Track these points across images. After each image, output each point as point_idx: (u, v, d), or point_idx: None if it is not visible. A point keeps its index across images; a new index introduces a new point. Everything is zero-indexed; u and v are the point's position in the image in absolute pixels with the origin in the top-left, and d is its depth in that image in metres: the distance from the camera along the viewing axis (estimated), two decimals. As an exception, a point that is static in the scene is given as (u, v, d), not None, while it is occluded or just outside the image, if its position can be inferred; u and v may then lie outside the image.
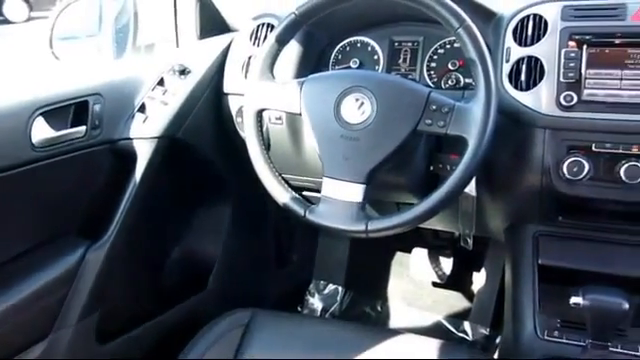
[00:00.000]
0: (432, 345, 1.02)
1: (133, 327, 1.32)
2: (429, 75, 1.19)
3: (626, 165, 0.92)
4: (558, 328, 1.05)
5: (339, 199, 0.95)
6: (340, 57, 1.27)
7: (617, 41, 0.94)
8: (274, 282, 1.76)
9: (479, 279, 1.76)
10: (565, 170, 0.96)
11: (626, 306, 0.88)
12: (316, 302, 1.89)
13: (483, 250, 1.72)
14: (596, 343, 0.92)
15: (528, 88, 0.99)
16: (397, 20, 1.22)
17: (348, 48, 1.26)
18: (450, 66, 1.16)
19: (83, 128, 1.14)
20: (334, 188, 0.95)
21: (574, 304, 0.92)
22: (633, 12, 0.95)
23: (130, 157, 1.22)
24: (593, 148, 0.95)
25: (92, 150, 1.17)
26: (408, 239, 1.84)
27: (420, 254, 1.80)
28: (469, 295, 1.81)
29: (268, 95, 1.02)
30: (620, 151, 0.93)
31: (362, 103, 0.94)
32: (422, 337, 1.07)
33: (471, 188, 1.06)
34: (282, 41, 1.02)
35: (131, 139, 1.22)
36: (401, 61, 1.22)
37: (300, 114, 1.00)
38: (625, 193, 0.94)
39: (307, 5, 0.99)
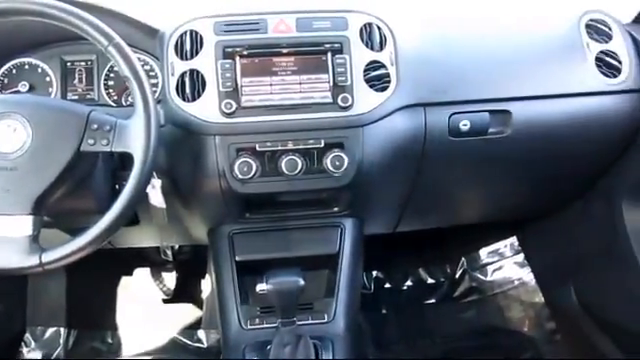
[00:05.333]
0: None
1: None
2: (108, 94, 1.18)
3: (285, 159, 1.05)
4: (258, 315, 1.15)
5: (4, 235, 0.86)
6: (7, 81, 1.16)
7: (263, 52, 1.06)
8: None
9: (206, 286, 1.81)
10: (237, 171, 1.04)
11: (301, 283, 1.01)
12: (34, 352, 1.70)
13: (205, 257, 1.77)
14: (285, 321, 1.03)
15: (194, 99, 1.04)
16: (66, 39, 1.17)
17: (15, 71, 1.16)
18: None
19: None
20: (-3, 225, 0.87)
21: (260, 291, 1.01)
22: (273, 26, 1.07)
23: None
24: (257, 148, 1.05)
25: None
26: (129, 260, 1.79)
27: (143, 274, 1.76)
28: (199, 304, 1.84)
29: None
30: (279, 148, 1.05)
31: (15, 129, 0.88)
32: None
33: (160, 201, 1.08)
34: None
35: None
36: (77, 82, 1.18)
37: None
38: (289, 184, 1.07)
39: None
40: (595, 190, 1.39)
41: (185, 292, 1.82)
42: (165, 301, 1.83)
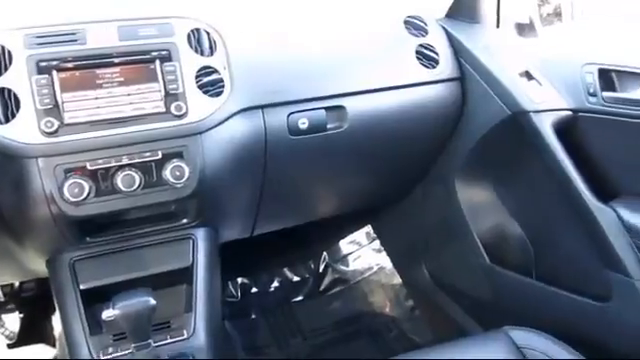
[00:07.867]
0: None
1: None
2: None
3: (121, 175, 0.99)
4: (112, 344, 1.07)
5: None
6: None
7: (83, 64, 0.99)
8: None
9: (57, 322, 1.67)
10: (68, 194, 0.96)
11: (152, 302, 0.96)
12: None
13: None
14: (139, 345, 0.97)
15: (7, 120, 0.94)
16: None
17: None
18: None
19: None
20: None
21: (108, 318, 0.95)
22: (92, 36, 1.00)
23: None
24: (88, 167, 0.97)
25: None
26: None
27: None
28: (52, 342, 1.69)
29: None
30: (113, 164, 0.99)
31: None
32: None
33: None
34: None
35: None
36: None
37: None
38: (128, 201, 1.01)
39: None
40: (432, 174, 1.50)
41: (33, 332, 1.65)
42: (10, 346, 1.64)
